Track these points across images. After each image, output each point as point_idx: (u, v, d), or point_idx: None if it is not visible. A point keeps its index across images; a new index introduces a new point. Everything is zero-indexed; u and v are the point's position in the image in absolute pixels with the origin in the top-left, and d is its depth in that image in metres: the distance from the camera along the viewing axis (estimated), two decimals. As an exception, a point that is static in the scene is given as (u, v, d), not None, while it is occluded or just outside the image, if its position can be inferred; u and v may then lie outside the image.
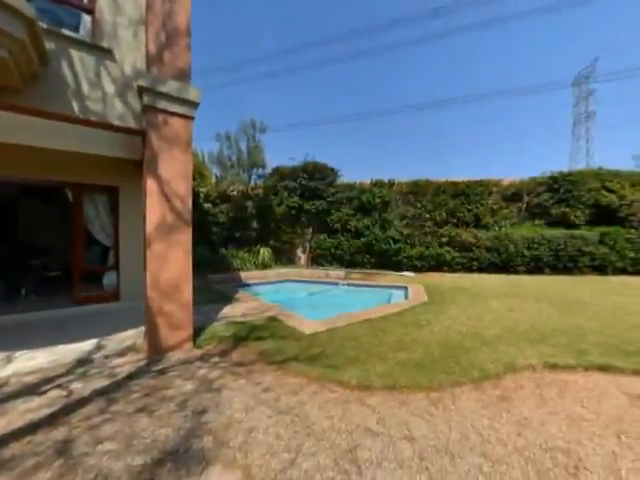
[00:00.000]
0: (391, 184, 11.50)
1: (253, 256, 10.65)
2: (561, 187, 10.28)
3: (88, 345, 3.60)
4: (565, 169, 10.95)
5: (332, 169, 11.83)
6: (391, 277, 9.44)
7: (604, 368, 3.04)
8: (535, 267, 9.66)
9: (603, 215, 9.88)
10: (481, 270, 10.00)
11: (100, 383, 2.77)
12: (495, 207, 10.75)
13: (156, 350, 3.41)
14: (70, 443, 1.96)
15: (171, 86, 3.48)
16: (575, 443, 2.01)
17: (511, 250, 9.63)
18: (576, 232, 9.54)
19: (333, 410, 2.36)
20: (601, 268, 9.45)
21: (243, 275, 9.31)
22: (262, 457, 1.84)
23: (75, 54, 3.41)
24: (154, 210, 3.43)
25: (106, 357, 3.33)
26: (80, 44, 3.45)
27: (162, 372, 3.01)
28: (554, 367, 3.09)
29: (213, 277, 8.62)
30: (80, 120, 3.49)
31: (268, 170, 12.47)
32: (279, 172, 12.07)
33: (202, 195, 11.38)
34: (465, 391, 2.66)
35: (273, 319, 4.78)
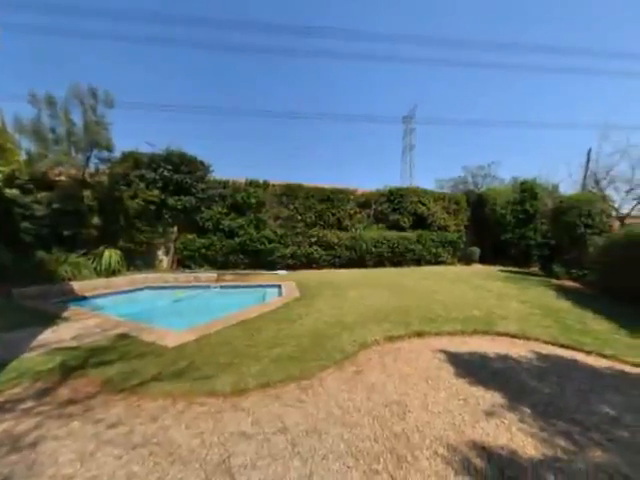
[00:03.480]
0: (266, 185, 11.67)
1: (94, 261, 8.39)
2: (395, 199, 13.36)
3: None
4: (398, 185, 14.38)
5: (202, 163, 10.82)
6: (265, 276, 9.59)
7: (420, 334, 4.19)
8: (379, 262, 12.19)
9: (419, 221, 13.54)
10: (342, 266, 11.73)
11: None
12: (352, 212, 12.79)
13: None
14: None
15: None
16: (404, 394, 2.65)
17: (363, 248, 11.77)
18: (403, 234, 12.66)
19: (203, 425, 2.18)
20: (419, 261, 12.92)
21: (77, 286, 7.17)
22: (107, 510, 1.48)
23: None
24: None
25: None
26: None
27: None
28: (391, 339, 3.99)
29: (23, 291, 6.23)
30: None
31: (117, 154, 9.96)
32: (133, 158, 9.96)
33: (1, 176, 8.01)
34: (330, 373, 3.04)
35: (124, 336, 3.92)
